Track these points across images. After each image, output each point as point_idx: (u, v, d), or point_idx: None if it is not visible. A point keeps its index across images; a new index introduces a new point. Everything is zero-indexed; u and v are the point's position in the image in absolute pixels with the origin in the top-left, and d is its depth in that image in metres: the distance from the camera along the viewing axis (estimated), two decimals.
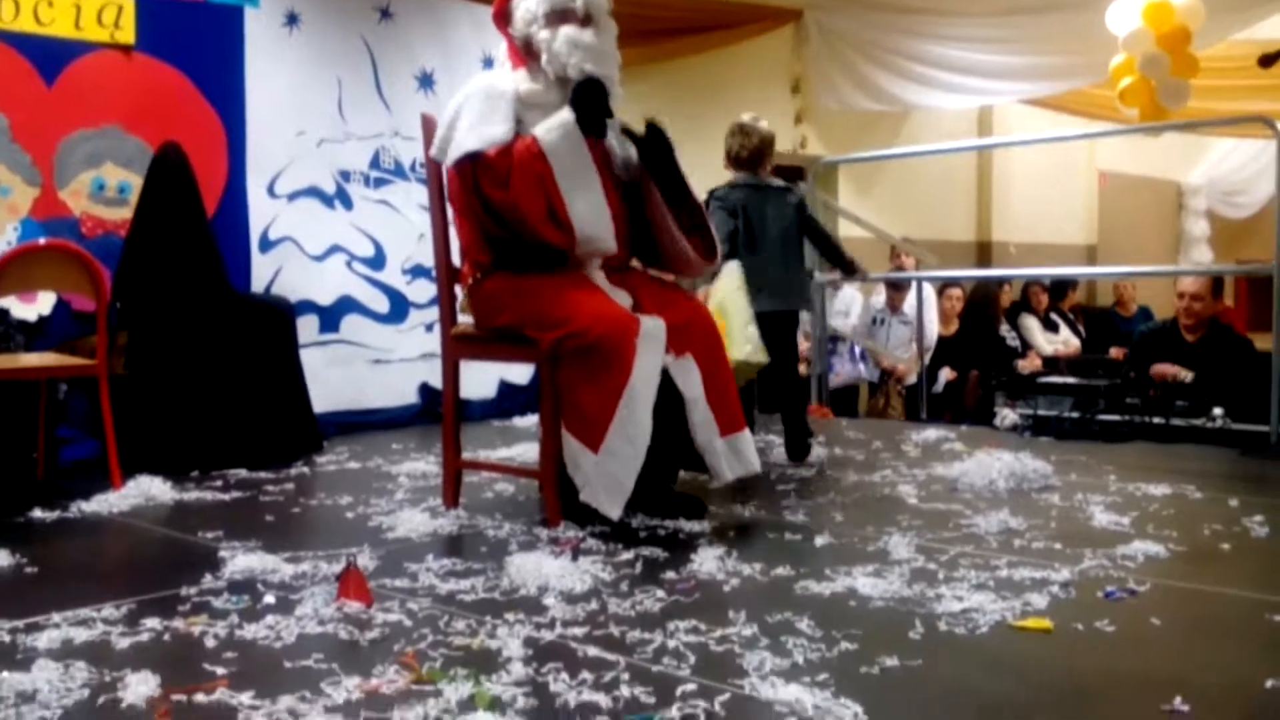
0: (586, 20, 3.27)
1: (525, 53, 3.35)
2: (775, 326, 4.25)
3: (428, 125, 3.47)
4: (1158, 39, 6.81)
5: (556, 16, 3.25)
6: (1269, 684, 1.91)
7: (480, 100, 3.26)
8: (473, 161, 3.20)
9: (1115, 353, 7.69)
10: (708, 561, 2.75)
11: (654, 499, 3.24)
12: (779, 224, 4.49)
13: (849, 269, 4.72)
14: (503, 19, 3.40)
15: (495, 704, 1.84)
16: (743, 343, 3.95)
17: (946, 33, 8.55)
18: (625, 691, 1.90)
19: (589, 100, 3.21)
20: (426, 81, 5.87)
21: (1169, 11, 6.77)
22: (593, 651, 2.12)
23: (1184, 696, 1.83)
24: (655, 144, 3.34)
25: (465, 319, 3.47)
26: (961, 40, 8.55)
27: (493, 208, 3.21)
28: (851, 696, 1.85)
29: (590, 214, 3.20)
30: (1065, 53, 8.21)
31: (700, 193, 3.61)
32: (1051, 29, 8.13)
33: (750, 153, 4.62)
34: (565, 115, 3.19)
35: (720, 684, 1.93)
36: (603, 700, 1.86)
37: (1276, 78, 7.91)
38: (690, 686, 1.92)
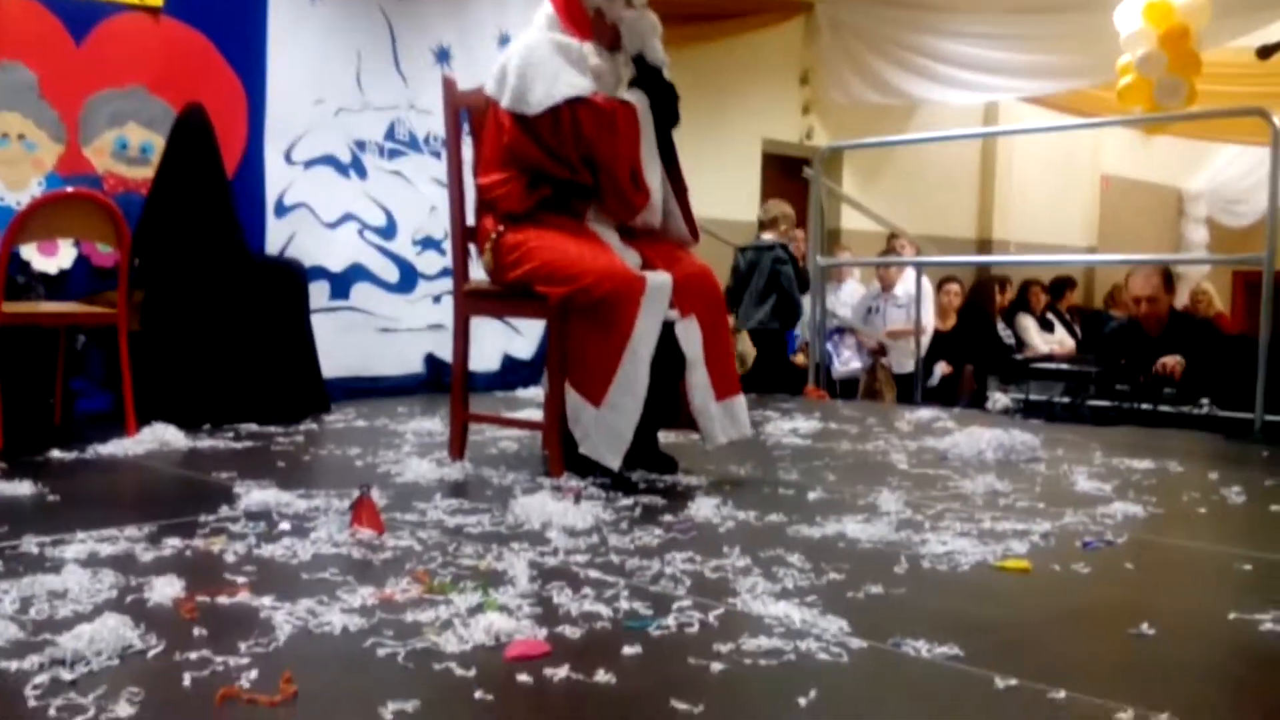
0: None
1: (593, 22, 3.41)
2: (758, 338, 6.56)
3: (449, 88, 3.58)
4: (1159, 38, 6.93)
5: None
6: (1231, 615, 2.03)
7: (556, 52, 3.35)
8: (571, 106, 3.28)
9: None
10: (704, 508, 2.87)
11: (634, 451, 3.31)
12: (762, 270, 6.58)
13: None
14: None
15: (503, 609, 1.95)
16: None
17: (955, 29, 8.68)
18: (625, 605, 2.02)
19: (665, 100, 3.44)
20: (443, 56, 5.98)
21: (1169, 10, 6.89)
22: (594, 574, 2.24)
23: (1150, 623, 1.95)
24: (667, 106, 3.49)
25: (477, 277, 3.59)
26: (970, 36, 8.67)
27: (591, 152, 3.31)
28: (836, 614, 1.96)
29: (657, 186, 3.42)
30: (1072, 52, 8.33)
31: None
32: (1059, 28, 8.26)
33: (762, 222, 6.91)
34: (644, 99, 3.39)
35: (714, 601, 2.05)
36: (604, 610, 1.98)
37: (1279, 85, 8.04)
38: (686, 602, 2.03)
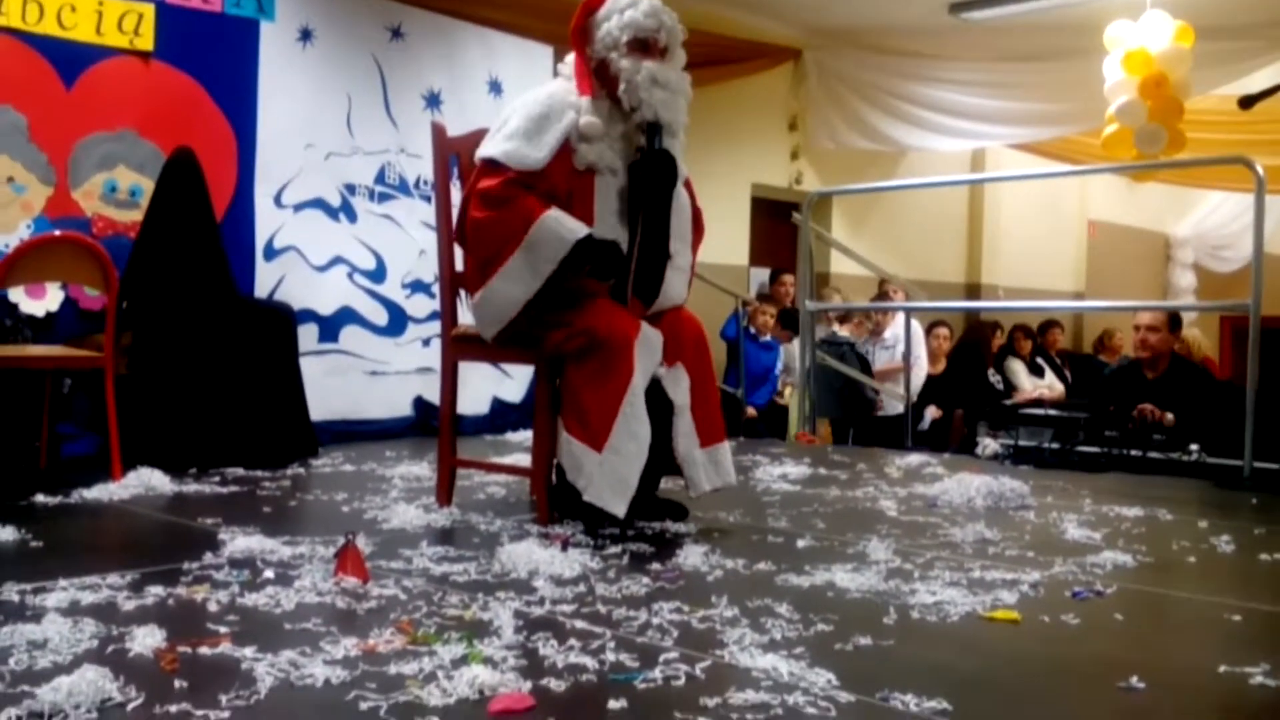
0: (664, 51, 3.30)
1: (598, 75, 3.32)
2: None
3: (439, 134, 3.59)
4: (1138, 86, 7.01)
5: (639, 46, 3.26)
6: (1222, 669, 2.01)
7: (534, 119, 3.24)
8: (488, 166, 3.24)
9: None
10: (693, 556, 2.85)
11: (639, 503, 3.29)
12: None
13: None
14: (580, 36, 3.36)
15: (488, 661, 1.93)
16: None
17: (942, 76, 8.77)
18: (611, 657, 1.99)
19: (653, 178, 3.27)
20: (433, 101, 6.02)
21: (1148, 59, 6.98)
22: (580, 624, 2.22)
23: (1140, 676, 1.93)
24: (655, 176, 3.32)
25: (466, 321, 3.58)
26: (957, 84, 8.76)
27: (464, 217, 3.29)
28: (825, 667, 1.94)
29: (499, 300, 3.21)
30: (1059, 99, 8.43)
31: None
32: (1046, 75, 8.36)
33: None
34: (579, 230, 3.14)
35: (701, 653, 2.03)
36: (589, 662, 1.95)
37: (1263, 133, 8.14)
38: (673, 654, 2.01)
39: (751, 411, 7.47)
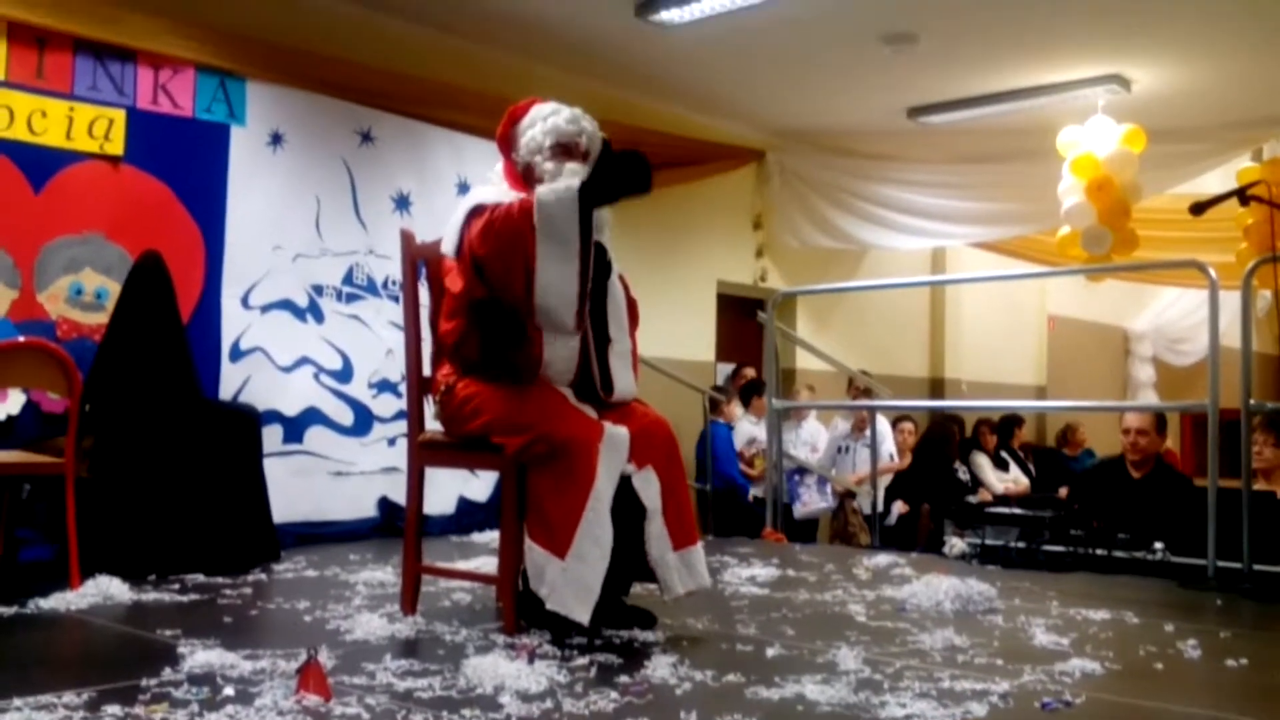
0: (586, 155, 3.43)
1: (524, 178, 3.45)
2: None
3: (407, 241, 3.62)
4: (1085, 189, 7.21)
5: (561, 150, 3.40)
6: None
7: (492, 196, 3.38)
8: (473, 215, 3.30)
9: (1063, 492, 7.85)
10: (661, 668, 2.82)
11: (607, 610, 3.28)
12: None
13: None
14: (505, 142, 3.51)
15: None
16: None
17: (902, 177, 8.96)
18: None
19: (614, 170, 3.26)
20: (403, 203, 6.08)
21: (1094, 163, 7.19)
22: None
23: None
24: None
25: (433, 427, 3.57)
26: (917, 185, 8.95)
27: (479, 263, 3.29)
28: None
29: (556, 285, 3.19)
30: (1017, 200, 8.62)
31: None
32: (1003, 177, 8.56)
33: None
34: (572, 181, 3.24)
35: None
36: None
37: (1215, 231, 8.33)
38: None
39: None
